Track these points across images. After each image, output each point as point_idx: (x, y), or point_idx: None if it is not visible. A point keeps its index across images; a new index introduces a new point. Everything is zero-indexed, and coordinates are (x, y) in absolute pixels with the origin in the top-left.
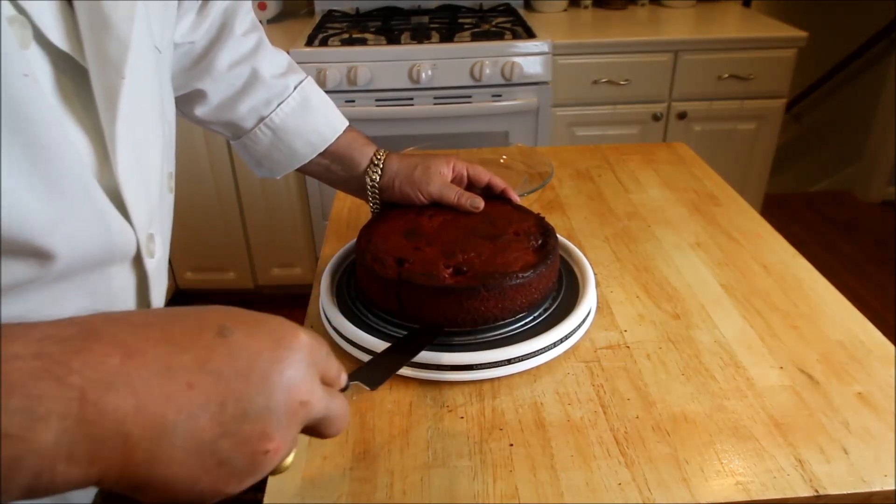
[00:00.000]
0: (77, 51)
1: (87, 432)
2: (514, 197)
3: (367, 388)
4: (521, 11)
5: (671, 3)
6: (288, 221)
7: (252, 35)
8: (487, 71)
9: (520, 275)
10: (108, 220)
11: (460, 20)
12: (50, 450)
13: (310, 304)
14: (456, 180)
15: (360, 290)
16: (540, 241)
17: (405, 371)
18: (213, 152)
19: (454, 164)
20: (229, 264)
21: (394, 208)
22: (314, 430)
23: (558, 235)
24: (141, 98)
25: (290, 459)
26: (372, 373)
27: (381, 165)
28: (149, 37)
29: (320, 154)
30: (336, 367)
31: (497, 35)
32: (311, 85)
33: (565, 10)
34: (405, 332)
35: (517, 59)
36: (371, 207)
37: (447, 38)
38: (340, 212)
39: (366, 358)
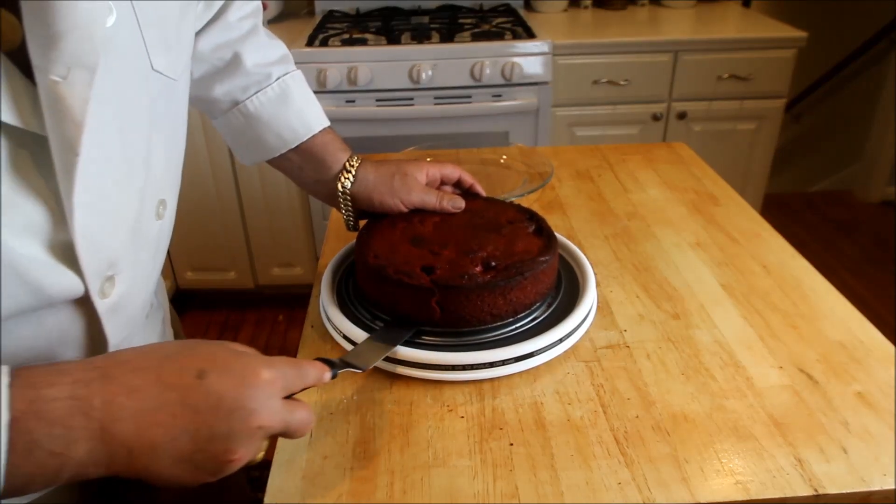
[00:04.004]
0: (38, 126)
1: (105, 449)
2: (481, 191)
3: (360, 370)
4: (521, 11)
5: (671, 3)
6: (288, 221)
7: (246, 21)
8: (487, 71)
9: (543, 258)
10: (38, 282)
11: (460, 20)
12: (83, 459)
13: (310, 303)
14: (430, 184)
15: (379, 308)
16: (534, 226)
17: (405, 370)
18: (214, 153)
19: (427, 170)
20: (230, 264)
21: (370, 221)
22: (282, 436)
23: (558, 235)
24: (112, 158)
25: (260, 455)
26: (362, 356)
27: (354, 173)
28: (143, 85)
29: (292, 150)
30: (314, 375)
31: (497, 35)
32: (295, 80)
33: (565, 10)
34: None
35: (517, 59)
36: (344, 216)
37: (447, 38)
38: None
39: None
